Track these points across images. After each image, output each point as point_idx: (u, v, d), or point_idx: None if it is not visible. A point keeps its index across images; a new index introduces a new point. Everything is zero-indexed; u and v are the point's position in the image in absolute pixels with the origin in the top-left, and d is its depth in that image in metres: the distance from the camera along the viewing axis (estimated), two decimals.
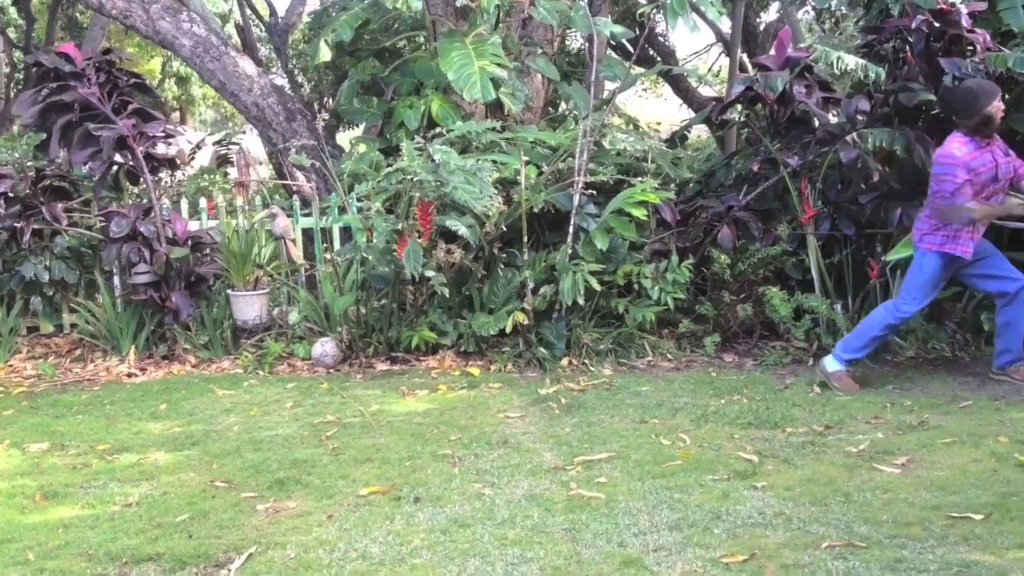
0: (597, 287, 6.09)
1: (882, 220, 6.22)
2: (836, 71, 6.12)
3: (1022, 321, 5.35)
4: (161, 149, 7.10)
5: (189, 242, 6.80)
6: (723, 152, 9.08)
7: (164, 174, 7.49)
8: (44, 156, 6.95)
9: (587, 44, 7.64)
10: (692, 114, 12.14)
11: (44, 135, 6.91)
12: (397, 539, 3.52)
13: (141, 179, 6.95)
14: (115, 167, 7.00)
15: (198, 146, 8.72)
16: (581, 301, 6.08)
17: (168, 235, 6.74)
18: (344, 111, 8.00)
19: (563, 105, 8.87)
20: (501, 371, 6.10)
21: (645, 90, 17.13)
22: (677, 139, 8.05)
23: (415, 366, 6.30)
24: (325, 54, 7.51)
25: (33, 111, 6.81)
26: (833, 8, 11.22)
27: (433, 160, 5.88)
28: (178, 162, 7.63)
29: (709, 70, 15.72)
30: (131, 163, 6.88)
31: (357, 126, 9.83)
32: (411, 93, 7.43)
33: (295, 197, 7.40)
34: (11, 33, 16.28)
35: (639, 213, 6.23)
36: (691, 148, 9.81)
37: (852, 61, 5.92)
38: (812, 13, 13.14)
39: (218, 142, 9.44)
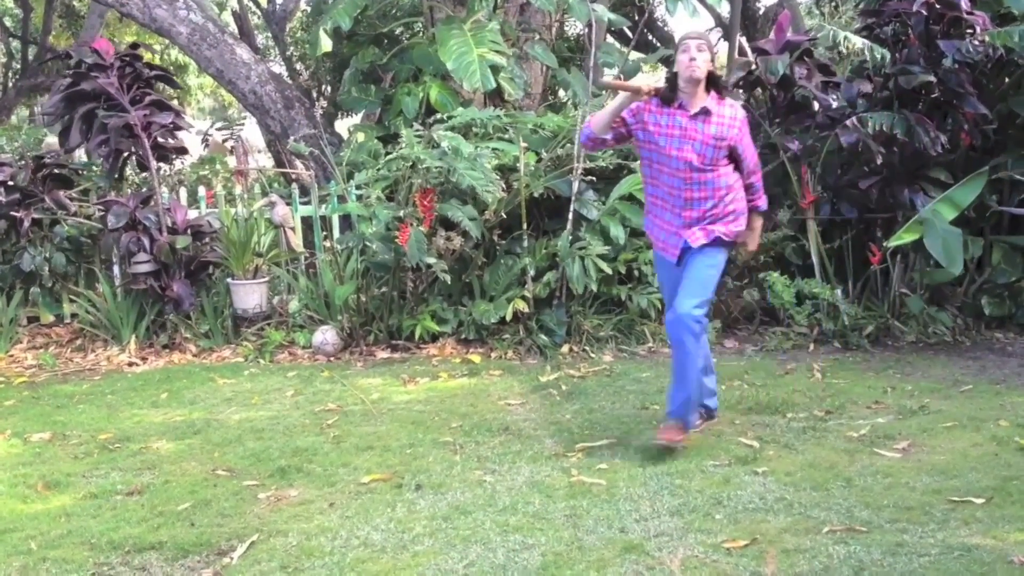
0: (608, 270, 6.07)
1: (885, 204, 6.21)
2: (837, 53, 6.10)
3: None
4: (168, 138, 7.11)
5: (189, 231, 6.79)
6: None
7: (167, 164, 7.47)
8: (65, 143, 6.98)
9: (586, 30, 7.60)
10: None
11: (44, 127, 6.92)
12: (399, 526, 3.53)
13: (147, 167, 6.95)
14: (124, 155, 7.01)
15: (207, 135, 8.70)
16: (594, 287, 6.06)
17: (168, 224, 6.74)
18: (343, 99, 7.98)
19: (562, 92, 8.83)
20: (502, 358, 6.10)
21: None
22: None
23: (416, 354, 6.30)
24: (326, 44, 7.48)
25: (55, 100, 6.96)
26: None
27: (438, 146, 5.87)
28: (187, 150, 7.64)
29: None
30: (139, 152, 6.88)
31: (355, 113, 9.81)
32: (409, 80, 7.41)
33: (294, 185, 7.38)
34: (8, 22, 16.22)
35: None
36: None
37: (859, 42, 5.90)
38: None
39: (217, 131, 9.42)
